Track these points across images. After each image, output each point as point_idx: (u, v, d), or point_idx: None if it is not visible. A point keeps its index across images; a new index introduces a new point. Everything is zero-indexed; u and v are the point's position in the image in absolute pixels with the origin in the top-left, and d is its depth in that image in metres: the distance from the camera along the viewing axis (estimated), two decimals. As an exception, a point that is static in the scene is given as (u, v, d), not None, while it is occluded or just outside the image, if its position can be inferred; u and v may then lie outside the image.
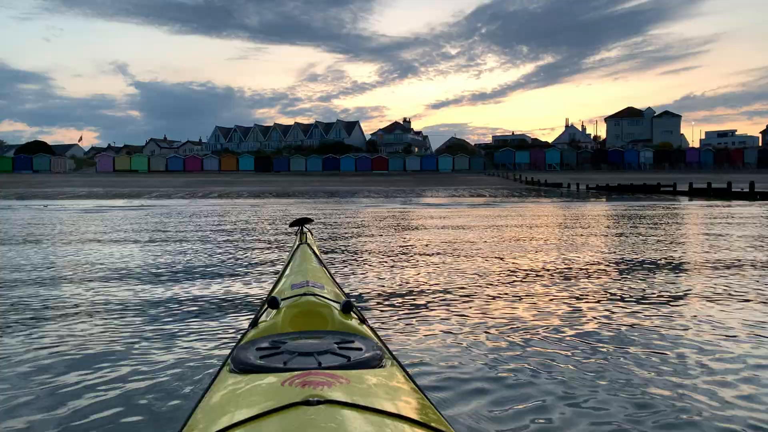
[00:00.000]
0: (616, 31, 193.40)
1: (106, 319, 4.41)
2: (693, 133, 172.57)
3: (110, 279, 6.26)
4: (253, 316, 1.93)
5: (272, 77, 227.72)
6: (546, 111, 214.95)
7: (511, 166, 75.83)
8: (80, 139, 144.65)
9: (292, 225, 2.98)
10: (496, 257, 7.93)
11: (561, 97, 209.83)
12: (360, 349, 1.52)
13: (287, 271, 2.39)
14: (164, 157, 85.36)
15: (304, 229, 2.90)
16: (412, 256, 8.12)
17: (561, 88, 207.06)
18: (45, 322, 4.33)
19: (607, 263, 7.32)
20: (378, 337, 1.78)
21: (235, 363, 1.45)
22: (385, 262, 7.52)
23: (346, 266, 7.11)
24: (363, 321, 1.88)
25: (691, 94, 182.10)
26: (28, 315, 4.57)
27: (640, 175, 61.39)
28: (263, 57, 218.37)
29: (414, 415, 1.13)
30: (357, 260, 7.71)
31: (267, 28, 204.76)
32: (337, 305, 1.88)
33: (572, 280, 6.03)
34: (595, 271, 6.62)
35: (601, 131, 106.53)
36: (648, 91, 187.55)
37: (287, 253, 3.23)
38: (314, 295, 1.92)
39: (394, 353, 1.63)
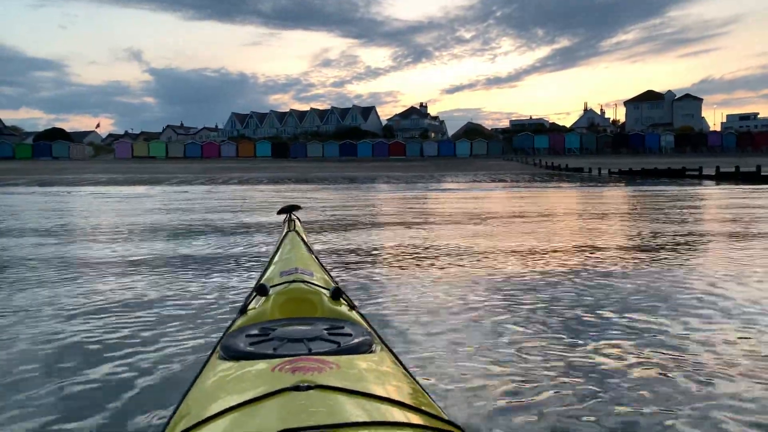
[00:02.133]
0: (633, 12, 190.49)
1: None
2: (715, 117, 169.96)
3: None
4: (241, 304, 1.90)
5: (286, 63, 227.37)
6: (562, 95, 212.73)
7: (530, 151, 75.04)
8: (98, 125, 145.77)
9: (280, 212, 2.93)
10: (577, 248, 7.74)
11: (577, 80, 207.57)
12: (350, 335, 1.51)
13: (276, 258, 2.37)
14: (182, 144, 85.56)
15: (293, 217, 2.87)
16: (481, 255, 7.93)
17: (577, 72, 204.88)
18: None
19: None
20: (368, 322, 1.78)
21: (224, 350, 1.44)
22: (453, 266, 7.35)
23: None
24: (352, 307, 1.87)
25: (710, 77, 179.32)
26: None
27: (661, 159, 60.52)
28: (277, 42, 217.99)
29: (404, 399, 1.13)
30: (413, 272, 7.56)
31: (280, 14, 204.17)
32: (326, 292, 1.87)
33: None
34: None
35: (620, 115, 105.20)
36: (666, 74, 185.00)
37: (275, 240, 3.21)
38: (303, 281, 1.91)
39: (383, 339, 1.61)
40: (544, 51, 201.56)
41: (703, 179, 32.69)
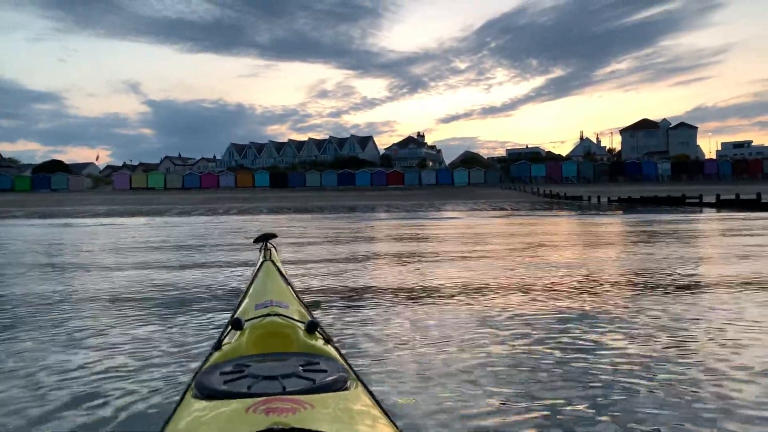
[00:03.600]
0: (626, 43, 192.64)
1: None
2: (710, 144, 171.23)
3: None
4: (216, 338, 1.88)
5: (283, 94, 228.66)
6: (556, 124, 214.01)
7: (527, 179, 75.44)
8: (97, 157, 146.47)
9: (256, 241, 2.88)
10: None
11: (571, 109, 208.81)
12: (324, 371, 1.50)
13: (251, 290, 2.34)
14: (180, 175, 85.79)
15: (269, 245, 2.80)
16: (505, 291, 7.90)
17: (571, 101, 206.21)
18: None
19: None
20: (343, 357, 1.77)
21: (199, 388, 1.43)
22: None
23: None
24: (328, 341, 1.86)
25: (703, 105, 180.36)
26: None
27: (659, 187, 60.84)
28: (273, 74, 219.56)
29: None
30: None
31: (277, 45, 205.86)
32: (301, 325, 1.85)
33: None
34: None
35: (616, 143, 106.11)
36: (659, 102, 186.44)
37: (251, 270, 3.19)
38: (278, 315, 1.90)
39: (359, 374, 1.58)
40: (538, 81, 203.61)
41: (704, 207, 32.83)
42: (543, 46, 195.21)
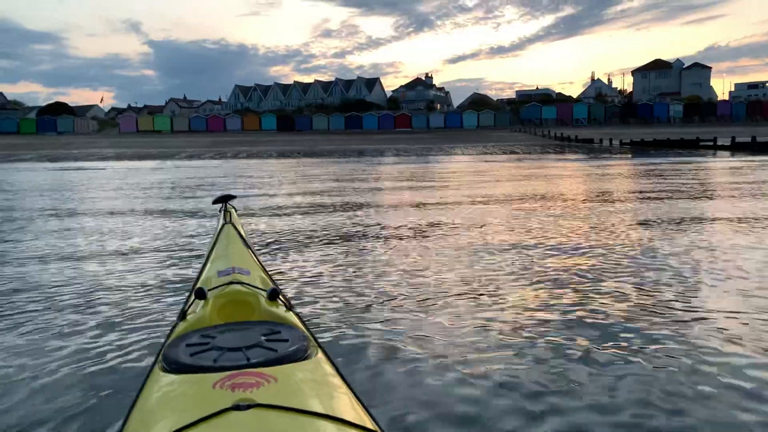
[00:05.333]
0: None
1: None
2: (724, 86, 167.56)
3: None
4: (180, 308, 1.94)
5: (286, 33, 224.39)
6: (566, 64, 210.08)
7: (537, 122, 74.47)
8: (102, 99, 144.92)
9: (215, 202, 2.81)
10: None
11: (581, 49, 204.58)
12: (286, 341, 1.57)
13: (212, 256, 2.35)
14: (187, 117, 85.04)
15: (228, 207, 2.76)
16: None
17: (582, 40, 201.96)
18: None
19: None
20: (304, 324, 1.82)
21: (166, 361, 1.48)
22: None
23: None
24: (289, 308, 1.91)
25: (716, 45, 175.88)
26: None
27: (671, 129, 60.02)
28: (276, 12, 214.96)
29: (340, 413, 1.20)
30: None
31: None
32: (263, 293, 1.90)
33: None
34: None
35: (627, 84, 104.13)
36: (671, 42, 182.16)
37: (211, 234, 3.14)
38: (240, 282, 1.95)
39: (319, 341, 1.65)
40: (548, 19, 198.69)
41: (719, 150, 32.42)
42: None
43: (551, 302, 3.99)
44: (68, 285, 4.71)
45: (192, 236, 7.04)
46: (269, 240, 6.68)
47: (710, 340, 3.21)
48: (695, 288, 4.34)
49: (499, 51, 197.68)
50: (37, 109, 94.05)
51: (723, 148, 32.84)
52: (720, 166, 19.82)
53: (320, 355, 1.56)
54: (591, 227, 7.08)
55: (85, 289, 4.56)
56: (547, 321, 3.59)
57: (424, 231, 7.01)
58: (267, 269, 2.32)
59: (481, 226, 7.30)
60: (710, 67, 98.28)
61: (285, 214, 8.90)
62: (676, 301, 3.98)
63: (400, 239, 6.43)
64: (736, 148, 31.70)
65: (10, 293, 4.51)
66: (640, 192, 11.66)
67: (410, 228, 7.26)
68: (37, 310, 4.00)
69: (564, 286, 4.41)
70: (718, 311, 3.73)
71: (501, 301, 3.98)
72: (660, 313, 3.70)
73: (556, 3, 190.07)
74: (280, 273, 4.90)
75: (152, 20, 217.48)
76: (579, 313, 3.72)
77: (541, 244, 6.03)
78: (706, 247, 5.81)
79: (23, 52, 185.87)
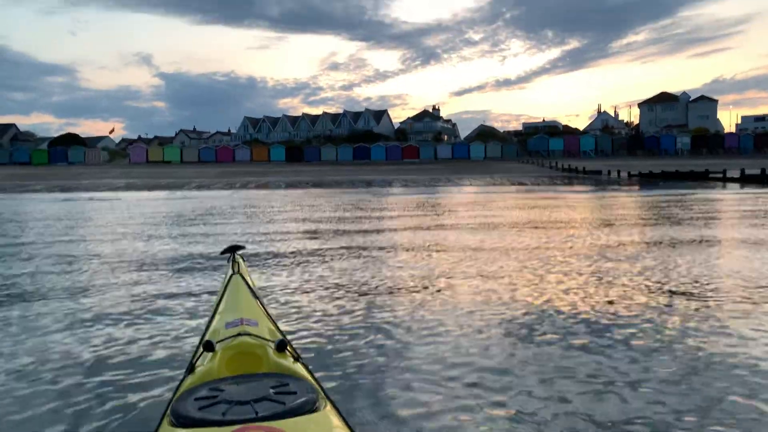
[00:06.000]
0: (644, 13, 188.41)
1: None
2: (731, 118, 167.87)
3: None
4: (189, 361, 1.94)
5: (294, 66, 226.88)
6: (572, 96, 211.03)
7: (545, 153, 74.70)
8: (112, 130, 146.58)
9: (223, 252, 2.82)
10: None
11: (587, 82, 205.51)
12: (294, 393, 1.57)
13: (220, 307, 2.37)
14: (196, 148, 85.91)
15: (237, 257, 2.76)
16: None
17: (587, 73, 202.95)
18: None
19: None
20: (312, 375, 1.82)
21: (174, 416, 1.48)
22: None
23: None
24: (297, 359, 1.92)
25: (721, 77, 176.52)
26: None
27: (678, 161, 60.01)
28: (284, 46, 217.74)
29: None
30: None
31: (287, 17, 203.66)
32: (271, 344, 1.91)
33: None
34: None
35: (634, 117, 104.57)
36: (676, 74, 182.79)
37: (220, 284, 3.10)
38: (248, 334, 1.95)
39: (327, 393, 1.64)
40: (554, 52, 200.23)
41: (728, 182, 32.35)
42: (559, 17, 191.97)
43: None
44: (69, 339, 4.58)
45: (198, 292, 6.80)
46: (277, 286, 6.37)
47: None
48: None
49: (505, 84, 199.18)
50: (49, 140, 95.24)
51: (733, 180, 32.77)
52: (736, 198, 19.76)
53: (329, 407, 1.56)
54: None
55: (91, 344, 4.29)
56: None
57: (443, 281, 6.27)
58: (275, 319, 2.33)
59: (502, 277, 7.00)
60: (716, 100, 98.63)
61: (294, 255, 8.64)
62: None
63: (417, 291, 5.81)
64: (746, 180, 31.63)
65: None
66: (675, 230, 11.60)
67: (424, 278, 6.91)
68: (32, 363, 3.79)
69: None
70: None
71: (525, 368, 3.59)
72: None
73: (561, 37, 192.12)
74: (288, 322, 4.69)
75: (163, 53, 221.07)
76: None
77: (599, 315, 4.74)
78: None
79: (36, 85, 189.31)
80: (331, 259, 7.58)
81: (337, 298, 5.35)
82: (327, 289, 5.76)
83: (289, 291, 5.70)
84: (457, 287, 5.74)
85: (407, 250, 8.31)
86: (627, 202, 18.91)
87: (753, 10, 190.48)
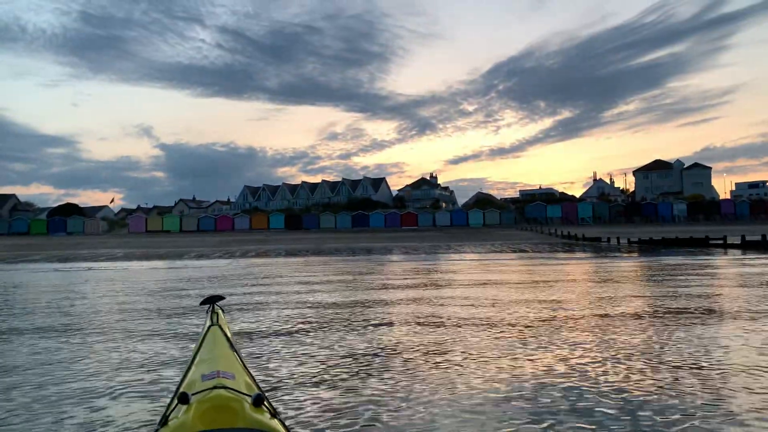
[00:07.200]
0: (634, 84, 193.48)
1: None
2: (725, 185, 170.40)
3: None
4: (162, 413, 1.86)
5: (293, 137, 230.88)
6: (566, 164, 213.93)
7: (542, 220, 75.18)
8: (112, 200, 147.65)
9: (203, 303, 2.77)
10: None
11: (580, 150, 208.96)
12: None
13: (197, 359, 2.31)
14: (196, 217, 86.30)
15: (216, 309, 2.71)
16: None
17: (580, 142, 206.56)
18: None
19: None
20: (288, 431, 1.75)
21: None
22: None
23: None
24: (274, 415, 1.86)
25: (712, 145, 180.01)
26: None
27: (676, 227, 60.36)
28: (283, 117, 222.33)
29: None
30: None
31: (286, 90, 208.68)
32: (248, 398, 1.86)
33: None
34: None
35: (629, 184, 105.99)
36: (668, 142, 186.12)
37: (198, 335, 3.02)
38: (225, 387, 1.90)
39: None
40: (546, 122, 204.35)
41: (729, 248, 32.36)
42: (550, 88, 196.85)
43: None
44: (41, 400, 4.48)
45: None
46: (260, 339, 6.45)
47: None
48: None
49: (499, 152, 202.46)
50: (48, 210, 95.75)
51: (733, 246, 32.79)
52: (739, 265, 19.69)
53: None
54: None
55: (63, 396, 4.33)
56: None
57: (450, 358, 6.68)
58: (252, 373, 2.25)
59: (514, 359, 7.06)
60: (710, 167, 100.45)
61: (287, 330, 8.68)
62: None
63: (410, 358, 5.91)
64: (746, 247, 31.65)
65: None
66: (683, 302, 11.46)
67: (423, 345, 6.96)
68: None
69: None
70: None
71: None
72: None
73: (553, 107, 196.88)
74: (265, 378, 4.65)
75: (164, 125, 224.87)
76: None
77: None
78: None
79: (36, 156, 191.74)
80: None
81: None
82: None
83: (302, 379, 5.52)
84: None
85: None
86: (634, 269, 18.80)
87: (739, 81, 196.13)
